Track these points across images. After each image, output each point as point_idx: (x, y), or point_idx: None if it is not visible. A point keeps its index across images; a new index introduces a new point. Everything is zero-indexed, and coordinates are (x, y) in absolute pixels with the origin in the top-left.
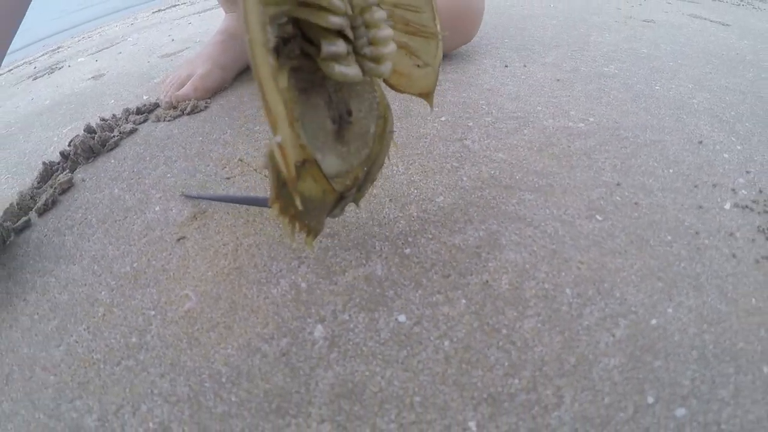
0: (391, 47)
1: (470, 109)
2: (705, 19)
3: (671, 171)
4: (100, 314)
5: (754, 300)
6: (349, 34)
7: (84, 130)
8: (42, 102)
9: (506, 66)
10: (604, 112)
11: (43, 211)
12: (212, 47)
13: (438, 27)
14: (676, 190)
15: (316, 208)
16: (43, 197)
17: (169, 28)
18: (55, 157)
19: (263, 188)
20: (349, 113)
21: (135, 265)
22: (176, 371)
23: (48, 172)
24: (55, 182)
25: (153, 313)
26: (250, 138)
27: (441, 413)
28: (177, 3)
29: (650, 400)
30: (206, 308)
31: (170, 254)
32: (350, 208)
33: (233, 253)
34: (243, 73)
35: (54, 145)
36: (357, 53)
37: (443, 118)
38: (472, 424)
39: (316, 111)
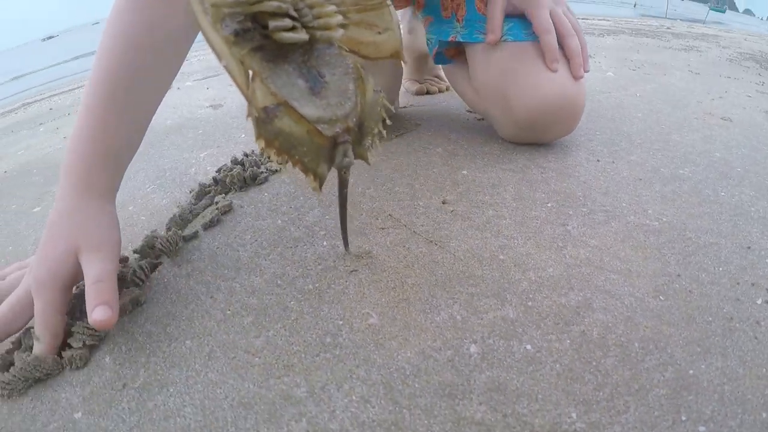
0: (337, 18)
1: (570, 199)
2: None
3: (720, 269)
4: (293, 318)
5: (764, 369)
6: (294, 14)
7: (231, 161)
8: (164, 122)
9: (598, 160)
10: (675, 214)
11: (208, 227)
12: None
13: None
14: (721, 284)
15: (304, 147)
16: (208, 214)
17: None
18: (204, 178)
19: (415, 242)
20: (322, 75)
21: (317, 285)
22: (368, 364)
23: (203, 192)
24: (216, 203)
25: (341, 322)
26: (392, 196)
27: (554, 406)
28: None
29: (684, 417)
30: (385, 324)
31: (347, 282)
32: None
33: (400, 287)
34: None
35: (194, 167)
36: (306, 27)
37: (549, 205)
38: (574, 416)
39: (286, 73)
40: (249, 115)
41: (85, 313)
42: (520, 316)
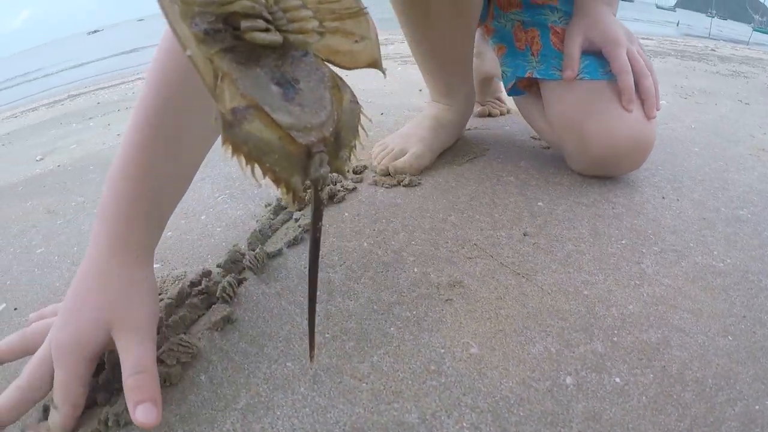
0: (313, 23)
1: (641, 237)
2: None
3: None
4: (394, 344)
5: None
6: (267, 16)
7: None
8: None
9: (663, 198)
10: (738, 256)
11: (291, 245)
12: (425, 131)
13: (360, 4)
14: None
15: (276, 154)
16: (290, 232)
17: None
18: (276, 192)
19: (503, 274)
20: (296, 81)
21: (413, 312)
22: (474, 393)
23: (280, 207)
24: (296, 219)
25: (443, 351)
26: (474, 225)
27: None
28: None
29: None
30: (486, 354)
31: (443, 310)
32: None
33: (494, 318)
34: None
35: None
36: (280, 30)
37: (623, 242)
38: None
39: (258, 77)
40: (215, 116)
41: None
42: (608, 350)
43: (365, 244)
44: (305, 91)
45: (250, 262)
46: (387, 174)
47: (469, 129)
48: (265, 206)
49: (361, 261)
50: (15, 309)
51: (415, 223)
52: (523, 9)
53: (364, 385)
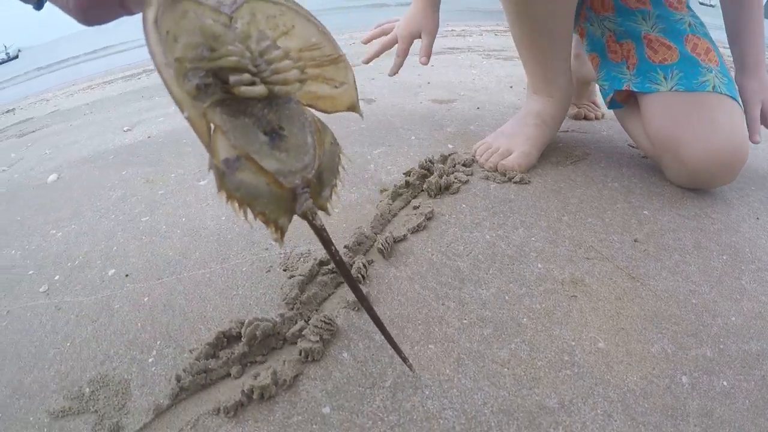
0: (294, 72)
1: (740, 254)
2: None
3: None
4: (529, 334)
5: None
6: (252, 69)
7: (419, 166)
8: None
9: (757, 218)
10: None
11: (415, 231)
12: (531, 129)
13: (339, 51)
14: None
15: (265, 198)
16: (413, 219)
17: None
18: (387, 178)
19: (619, 276)
20: (281, 128)
21: (543, 305)
22: (604, 384)
23: (396, 193)
24: (416, 207)
25: (573, 343)
26: (587, 227)
27: None
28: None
29: None
30: (611, 350)
31: (569, 306)
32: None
33: (616, 317)
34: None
35: (372, 163)
36: (265, 81)
37: (724, 257)
38: None
39: (246, 127)
40: (210, 167)
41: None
42: (716, 356)
43: (487, 236)
44: (290, 137)
45: (382, 245)
46: (495, 170)
47: (566, 131)
48: (381, 191)
49: (487, 252)
50: (126, 275)
51: (531, 220)
52: (616, 13)
53: (505, 370)
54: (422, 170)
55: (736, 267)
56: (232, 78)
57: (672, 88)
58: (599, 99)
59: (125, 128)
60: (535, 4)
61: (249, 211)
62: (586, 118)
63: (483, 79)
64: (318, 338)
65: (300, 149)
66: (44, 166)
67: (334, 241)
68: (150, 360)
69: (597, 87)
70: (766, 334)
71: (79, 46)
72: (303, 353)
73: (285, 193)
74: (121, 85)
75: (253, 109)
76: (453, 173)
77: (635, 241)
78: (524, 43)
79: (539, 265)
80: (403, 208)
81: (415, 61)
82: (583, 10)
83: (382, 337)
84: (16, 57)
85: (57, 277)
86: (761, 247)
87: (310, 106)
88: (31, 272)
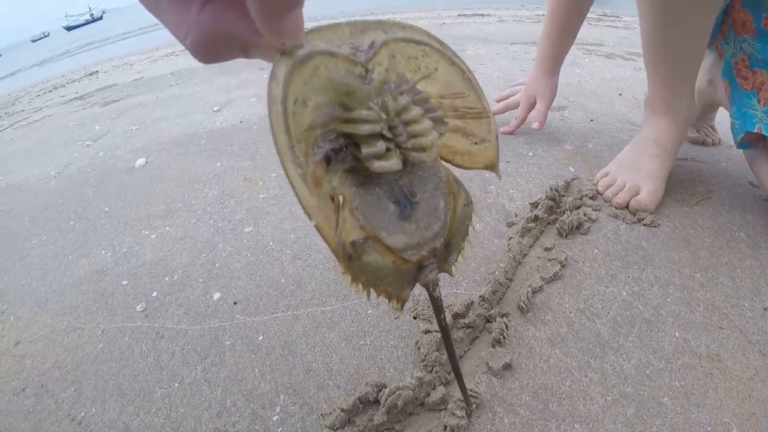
0: (433, 136)
1: None
2: None
3: None
4: (669, 417)
5: None
6: (388, 134)
7: (546, 196)
8: None
9: None
10: None
11: (550, 281)
12: (654, 162)
13: (485, 105)
14: None
15: (390, 277)
16: (549, 267)
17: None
18: (518, 206)
19: (751, 352)
20: (413, 195)
21: (681, 383)
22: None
23: (526, 228)
24: (547, 249)
25: (710, 428)
26: (719, 289)
27: None
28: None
29: None
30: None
31: (706, 385)
32: None
33: (748, 400)
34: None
35: (494, 184)
36: (400, 147)
37: None
38: None
39: (377, 198)
40: (336, 250)
41: None
42: None
43: (624, 293)
44: (421, 203)
45: (523, 302)
46: (626, 208)
47: (685, 159)
48: (508, 225)
49: (625, 314)
50: (235, 303)
51: (666, 276)
52: (755, 37)
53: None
54: (549, 201)
55: None
56: (365, 150)
57: None
58: (717, 123)
59: (215, 108)
60: (674, 24)
61: (372, 290)
62: (704, 143)
63: (589, 81)
64: (463, 413)
65: (431, 216)
66: (131, 144)
67: (464, 282)
68: (275, 419)
69: (717, 110)
70: None
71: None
72: (448, 429)
73: (410, 267)
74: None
75: (386, 176)
76: (581, 207)
77: (765, 309)
78: (656, 62)
79: (676, 334)
80: (532, 246)
81: (516, 55)
82: (723, 27)
83: (528, 411)
84: (101, 18)
85: (155, 294)
86: None
87: (446, 160)
88: (125, 282)
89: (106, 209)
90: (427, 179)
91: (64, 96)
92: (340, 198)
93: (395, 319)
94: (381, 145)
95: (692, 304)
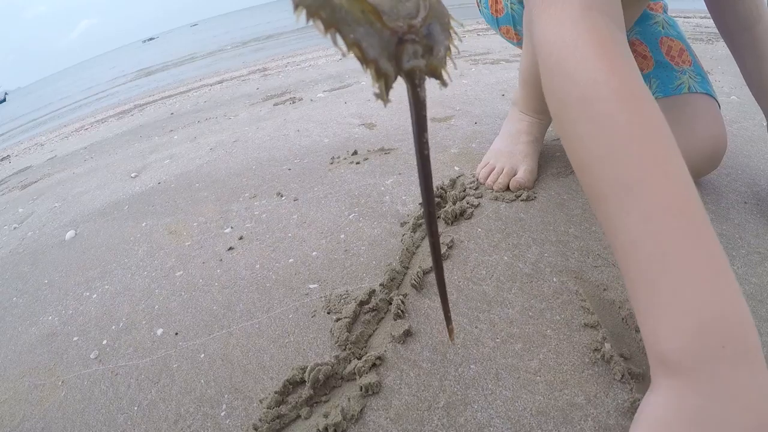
0: None
1: (731, 241)
2: None
3: None
4: (554, 344)
5: None
6: None
7: (438, 195)
8: (320, 140)
9: (745, 203)
10: None
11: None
12: (527, 147)
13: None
14: None
15: (360, 27)
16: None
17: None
18: (404, 208)
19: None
20: None
21: (563, 315)
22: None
23: (417, 224)
24: (442, 238)
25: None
26: (592, 235)
27: None
28: None
29: None
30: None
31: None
32: None
33: None
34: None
35: (387, 195)
36: None
37: None
38: None
39: None
40: None
41: None
42: None
43: (505, 257)
44: None
45: (415, 281)
46: (507, 189)
47: (556, 139)
48: (401, 224)
49: (507, 273)
50: (176, 334)
51: (542, 236)
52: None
53: (538, 377)
54: (437, 198)
55: (728, 254)
56: None
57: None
58: None
59: (132, 174)
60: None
61: (338, 36)
62: None
63: (474, 89)
64: (374, 373)
65: None
66: (57, 221)
67: (366, 277)
68: (222, 414)
69: None
70: (756, 315)
71: (67, 87)
72: (363, 389)
73: (386, 31)
74: (114, 124)
75: None
76: (464, 197)
77: None
78: (528, 78)
79: (554, 279)
80: (423, 238)
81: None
82: None
83: (429, 363)
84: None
85: (105, 342)
86: (750, 231)
87: None
88: (75, 338)
89: (46, 281)
90: None
91: None
92: None
93: (312, 317)
94: None
95: (567, 254)
